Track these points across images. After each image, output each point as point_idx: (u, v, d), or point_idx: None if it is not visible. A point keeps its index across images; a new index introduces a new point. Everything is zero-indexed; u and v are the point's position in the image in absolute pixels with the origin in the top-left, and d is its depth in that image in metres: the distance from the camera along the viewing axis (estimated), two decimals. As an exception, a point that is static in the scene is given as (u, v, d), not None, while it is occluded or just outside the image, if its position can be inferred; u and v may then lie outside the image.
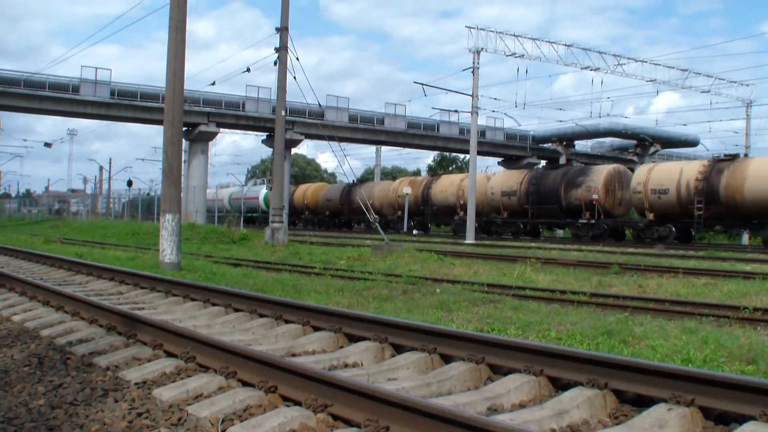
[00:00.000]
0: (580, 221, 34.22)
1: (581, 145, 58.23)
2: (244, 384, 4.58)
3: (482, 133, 49.02)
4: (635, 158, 52.84)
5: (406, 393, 3.99)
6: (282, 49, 23.19)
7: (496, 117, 51.19)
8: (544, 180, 36.81)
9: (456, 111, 45.40)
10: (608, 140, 59.34)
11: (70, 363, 5.32)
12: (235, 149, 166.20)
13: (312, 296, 9.82)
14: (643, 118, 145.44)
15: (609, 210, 33.76)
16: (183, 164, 25.59)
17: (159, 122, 41.56)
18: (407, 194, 43.12)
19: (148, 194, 72.61)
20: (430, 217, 43.59)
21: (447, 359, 5.37)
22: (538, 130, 55.99)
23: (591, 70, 40.08)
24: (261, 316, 7.41)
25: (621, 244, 29.04)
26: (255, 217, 53.63)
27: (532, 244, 27.29)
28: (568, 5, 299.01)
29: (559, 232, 43.00)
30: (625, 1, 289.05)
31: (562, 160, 53.61)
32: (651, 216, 30.75)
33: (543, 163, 57.14)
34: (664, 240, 29.76)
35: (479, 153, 40.98)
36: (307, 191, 57.25)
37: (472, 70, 33.71)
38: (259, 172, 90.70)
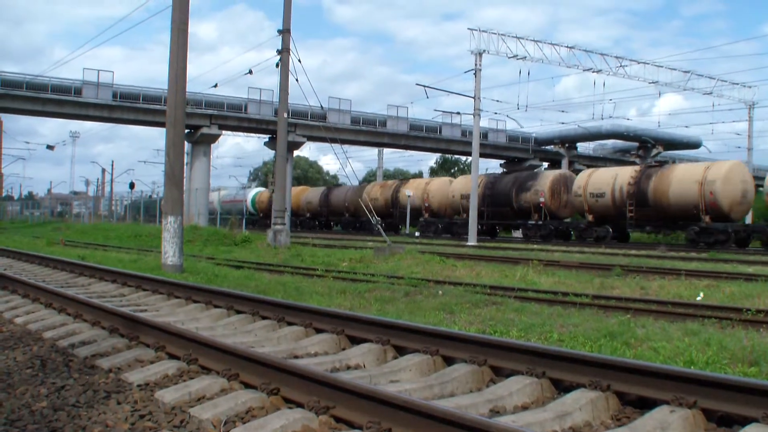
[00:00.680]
0: (530, 222, 36.77)
1: (583, 147, 58.22)
2: (247, 386, 4.58)
3: (484, 135, 49.04)
4: (637, 160, 52.79)
5: (408, 395, 3.99)
6: (284, 52, 23.22)
7: (499, 119, 51.28)
8: (498, 184, 39.34)
9: (458, 113, 45.44)
10: (610, 142, 59.29)
11: (73, 365, 5.33)
12: (237, 151, 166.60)
13: (314, 298, 9.82)
14: (645, 120, 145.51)
15: (555, 212, 36.39)
16: (185, 166, 25.60)
17: (161, 124, 41.47)
18: (377, 198, 46.06)
19: (150, 196, 72.83)
20: (399, 219, 45.79)
21: (449, 361, 5.36)
22: (540, 133, 56.02)
23: (593, 72, 40.15)
24: (263, 318, 7.41)
25: (623, 246, 29.12)
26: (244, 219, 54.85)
27: (535, 246, 27.32)
28: (570, 7, 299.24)
29: (517, 233, 43.56)
30: (628, 3, 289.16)
31: (565, 162, 53.61)
32: (590, 217, 33.53)
33: (545, 165, 57.12)
34: (602, 240, 32.29)
35: (481, 155, 41.13)
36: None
37: (474, 72, 33.76)
38: (262, 174, 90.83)
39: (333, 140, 27.28)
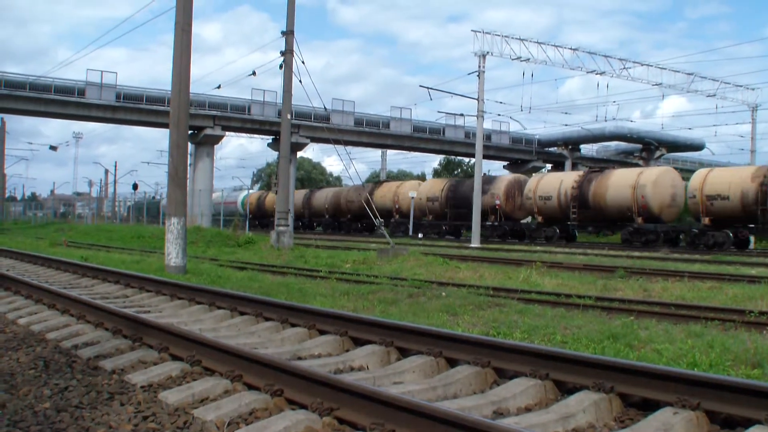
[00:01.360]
0: (487, 223, 38.54)
1: (587, 149, 58.16)
2: (250, 387, 4.58)
3: (488, 136, 49.01)
4: (641, 162, 52.75)
5: (411, 396, 3.99)
6: (288, 53, 23.22)
7: (502, 121, 51.27)
8: (459, 188, 41.68)
9: (462, 115, 45.50)
10: (614, 144, 59.25)
11: (76, 366, 5.33)
12: (241, 152, 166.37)
13: (317, 300, 9.82)
14: (648, 122, 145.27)
15: (509, 214, 38.83)
16: (189, 168, 25.63)
17: (165, 125, 41.74)
18: (353, 200, 47.10)
19: (153, 197, 73.03)
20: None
21: (453, 363, 5.36)
22: (543, 134, 56.02)
23: (597, 74, 40.11)
24: (267, 319, 7.41)
25: (626, 248, 29.10)
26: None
27: (538, 248, 27.30)
28: (575, 9, 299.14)
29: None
30: (633, 5, 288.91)
31: (568, 164, 53.54)
32: (540, 219, 35.99)
33: (548, 167, 57.06)
34: (550, 239, 34.62)
35: (485, 157, 41.13)
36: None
37: (477, 73, 33.72)
38: (265, 175, 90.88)
39: (336, 141, 27.27)
